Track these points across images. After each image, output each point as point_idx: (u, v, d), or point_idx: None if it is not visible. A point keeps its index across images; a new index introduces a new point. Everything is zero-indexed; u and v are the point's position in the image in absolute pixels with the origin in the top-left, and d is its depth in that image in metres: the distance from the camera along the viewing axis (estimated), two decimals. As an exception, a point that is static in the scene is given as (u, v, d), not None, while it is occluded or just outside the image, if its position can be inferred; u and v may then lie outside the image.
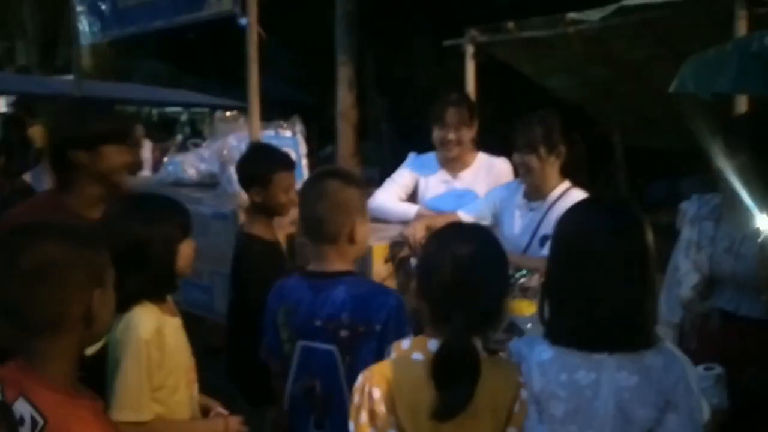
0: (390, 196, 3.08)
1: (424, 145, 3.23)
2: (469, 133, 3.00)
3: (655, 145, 6.22)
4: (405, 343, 1.48)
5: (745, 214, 2.08)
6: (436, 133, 3.00)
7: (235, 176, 2.67)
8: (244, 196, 2.72)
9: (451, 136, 2.96)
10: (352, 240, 1.86)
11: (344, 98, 8.88)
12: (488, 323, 1.48)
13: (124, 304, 1.62)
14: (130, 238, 1.70)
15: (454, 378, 1.37)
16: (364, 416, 1.42)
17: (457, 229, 1.74)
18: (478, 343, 1.43)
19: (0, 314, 1.37)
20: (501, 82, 5.25)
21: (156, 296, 1.77)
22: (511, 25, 4.29)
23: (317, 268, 1.89)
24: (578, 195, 2.62)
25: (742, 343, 2.07)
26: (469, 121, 2.98)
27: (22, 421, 1.34)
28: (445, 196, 3.05)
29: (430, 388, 1.38)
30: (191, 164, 3.45)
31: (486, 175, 3.07)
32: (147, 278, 1.72)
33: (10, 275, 1.34)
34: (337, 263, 1.87)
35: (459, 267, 1.42)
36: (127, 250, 1.63)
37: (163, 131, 14.09)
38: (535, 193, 2.73)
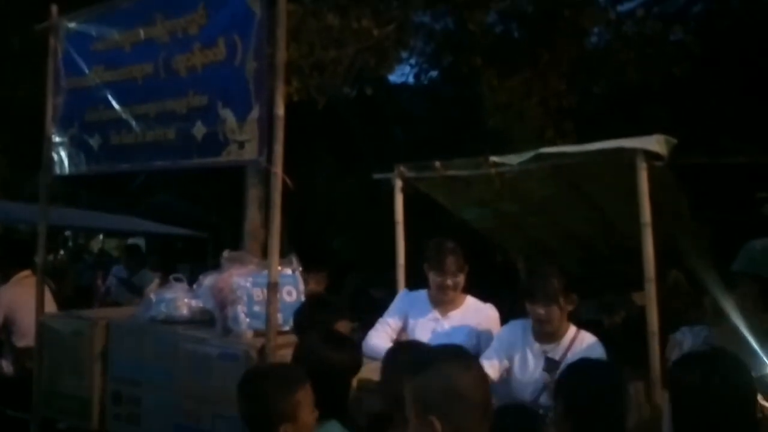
0: (382, 340, 3.32)
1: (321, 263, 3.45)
2: (463, 278, 3.31)
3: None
4: None
5: (738, 345, 2.43)
6: (434, 279, 3.29)
7: (242, 315, 2.76)
8: (249, 336, 2.83)
9: (449, 282, 3.27)
10: None
11: (253, 219, 9.06)
12: None
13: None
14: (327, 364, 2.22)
15: None
16: None
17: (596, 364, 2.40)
18: None
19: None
20: (418, 210, 5.70)
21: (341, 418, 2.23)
22: (437, 164, 4.73)
23: None
24: (588, 338, 2.96)
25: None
26: (464, 267, 3.30)
27: None
28: (434, 337, 3.29)
29: None
30: (183, 301, 3.33)
31: (473, 318, 3.36)
32: (336, 400, 2.19)
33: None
34: None
35: (598, 396, 1.99)
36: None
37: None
38: (547, 336, 2.99)
